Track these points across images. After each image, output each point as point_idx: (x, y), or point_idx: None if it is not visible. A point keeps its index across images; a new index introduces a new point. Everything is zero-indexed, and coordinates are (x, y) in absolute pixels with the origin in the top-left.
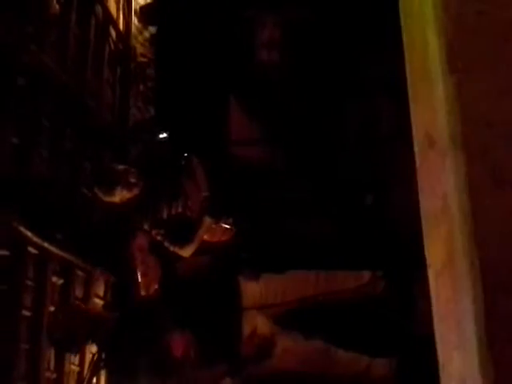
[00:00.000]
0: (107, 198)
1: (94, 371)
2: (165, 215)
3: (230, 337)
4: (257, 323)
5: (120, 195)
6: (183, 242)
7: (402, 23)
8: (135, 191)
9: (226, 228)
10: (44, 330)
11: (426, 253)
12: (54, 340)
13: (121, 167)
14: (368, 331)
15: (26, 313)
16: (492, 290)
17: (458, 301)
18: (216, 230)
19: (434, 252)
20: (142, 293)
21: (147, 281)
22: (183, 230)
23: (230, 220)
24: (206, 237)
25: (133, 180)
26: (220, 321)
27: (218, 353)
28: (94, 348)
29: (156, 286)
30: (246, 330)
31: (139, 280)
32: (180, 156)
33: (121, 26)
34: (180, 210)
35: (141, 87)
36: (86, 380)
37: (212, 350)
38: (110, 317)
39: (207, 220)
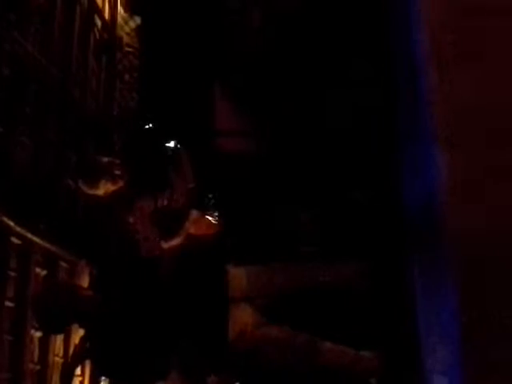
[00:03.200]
0: (91, 191)
1: (78, 360)
2: (150, 207)
3: (219, 330)
4: (246, 319)
5: (104, 188)
6: (169, 234)
7: (391, 20)
8: (120, 183)
9: (212, 221)
10: (28, 320)
11: (411, 249)
12: (40, 319)
13: (105, 159)
14: (355, 324)
15: (9, 304)
16: (472, 286)
17: (440, 295)
18: (202, 223)
19: (419, 249)
20: (144, 254)
21: (149, 245)
22: (169, 223)
23: (216, 213)
24: (191, 230)
25: (117, 172)
26: (208, 313)
27: (206, 348)
28: (78, 338)
29: (157, 252)
30: (236, 325)
31: (141, 243)
32: (165, 146)
33: (106, 16)
34: (166, 202)
35: (126, 77)
36: (68, 367)
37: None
38: (96, 297)
39: (193, 213)
